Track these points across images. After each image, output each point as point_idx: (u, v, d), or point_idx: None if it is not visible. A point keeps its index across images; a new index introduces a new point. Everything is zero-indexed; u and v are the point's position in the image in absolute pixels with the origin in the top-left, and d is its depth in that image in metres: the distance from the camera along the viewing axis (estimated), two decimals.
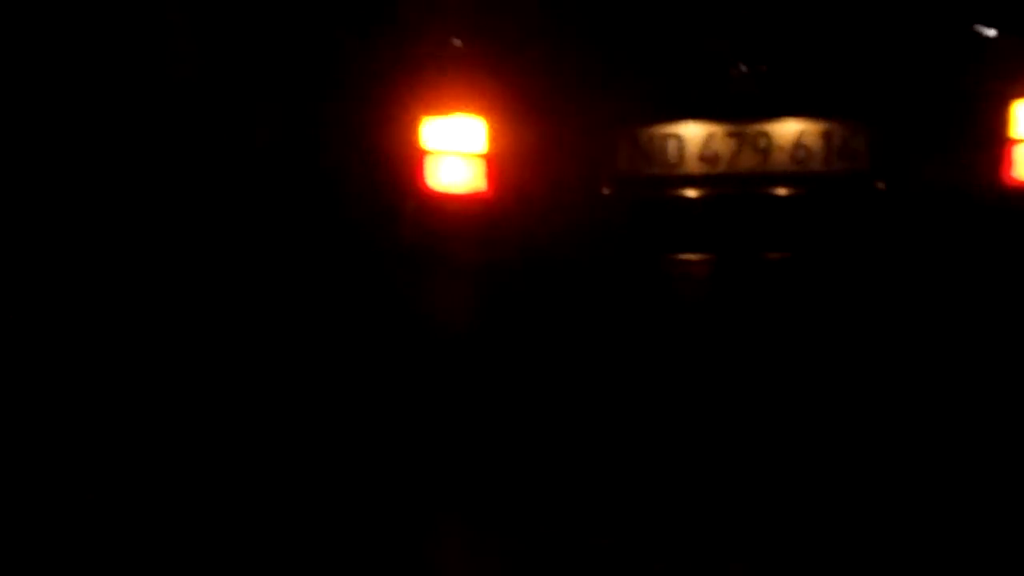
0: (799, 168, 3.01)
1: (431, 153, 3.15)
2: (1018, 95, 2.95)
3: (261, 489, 2.86)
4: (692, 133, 3.02)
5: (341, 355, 3.49)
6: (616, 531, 2.63)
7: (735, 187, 3.05)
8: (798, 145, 3.00)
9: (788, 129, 2.99)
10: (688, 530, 2.62)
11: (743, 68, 2.98)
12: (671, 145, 3.03)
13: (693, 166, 3.04)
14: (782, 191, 3.03)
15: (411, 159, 3.18)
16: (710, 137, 3.01)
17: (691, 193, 3.06)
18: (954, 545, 2.49)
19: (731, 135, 3.01)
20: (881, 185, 3.00)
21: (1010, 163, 2.98)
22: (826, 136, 2.99)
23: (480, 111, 3.09)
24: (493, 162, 3.11)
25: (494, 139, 3.09)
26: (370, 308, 3.52)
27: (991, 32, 3.03)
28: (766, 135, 3.00)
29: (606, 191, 3.08)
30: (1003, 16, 3.05)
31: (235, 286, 3.91)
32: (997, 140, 2.97)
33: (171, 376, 3.45)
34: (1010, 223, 3.04)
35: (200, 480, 2.91)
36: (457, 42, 3.28)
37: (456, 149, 3.14)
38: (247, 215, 4.13)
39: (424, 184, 3.17)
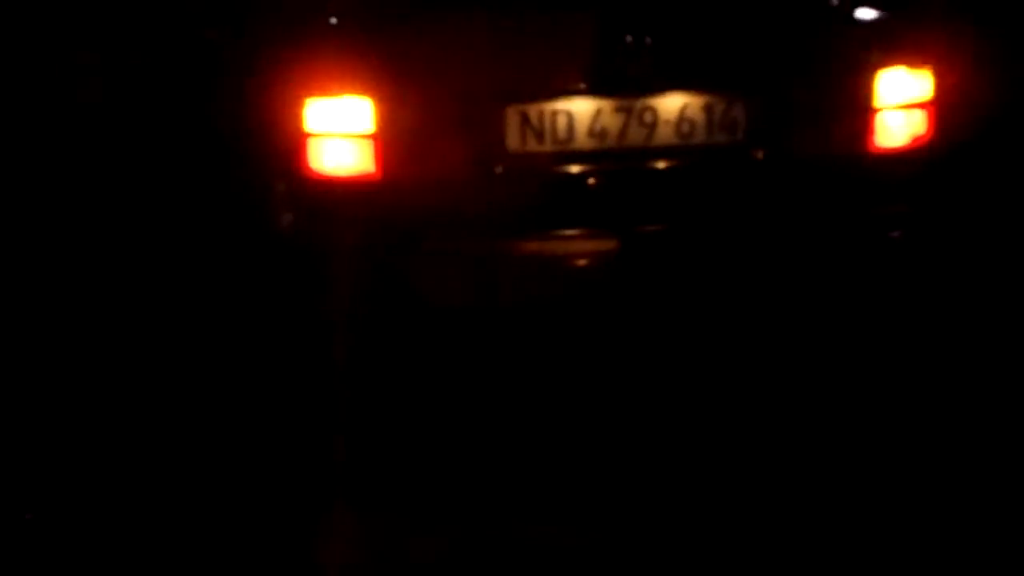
0: (683, 141, 3.10)
1: (316, 135, 3.07)
2: (882, 65, 3.12)
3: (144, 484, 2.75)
4: (581, 109, 3.06)
5: (226, 343, 3.37)
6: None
7: (624, 162, 3.11)
8: (682, 119, 3.08)
9: (673, 103, 3.07)
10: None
11: (629, 41, 3.03)
12: (560, 121, 3.06)
13: (583, 142, 3.08)
14: (668, 164, 3.11)
15: (296, 142, 3.08)
16: (599, 112, 3.06)
17: (582, 168, 3.10)
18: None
19: (619, 110, 3.06)
20: (759, 155, 3.13)
21: (874, 131, 3.17)
22: (707, 109, 3.09)
23: (365, 91, 3.03)
24: (381, 143, 3.06)
25: (381, 119, 3.04)
26: (256, 295, 3.41)
27: (858, 7, 3.19)
28: (652, 109, 3.07)
29: (498, 169, 3.08)
30: None
31: (123, 271, 3.72)
32: (864, 109, 3.14)
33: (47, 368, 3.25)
34: (874, 187, 3.23)
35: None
36: (333, 20, 3.20)
37: (341, 130, 3.07)
38: (134, 198, 3.94)
39: (309, 167, 3.09)
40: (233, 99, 3.48)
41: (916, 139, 3.20)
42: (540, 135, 3.06)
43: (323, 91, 3.04)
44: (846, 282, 3.26)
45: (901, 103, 3.17)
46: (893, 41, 3.19)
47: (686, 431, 2.96)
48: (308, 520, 2.62)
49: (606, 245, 3.14)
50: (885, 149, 3.17)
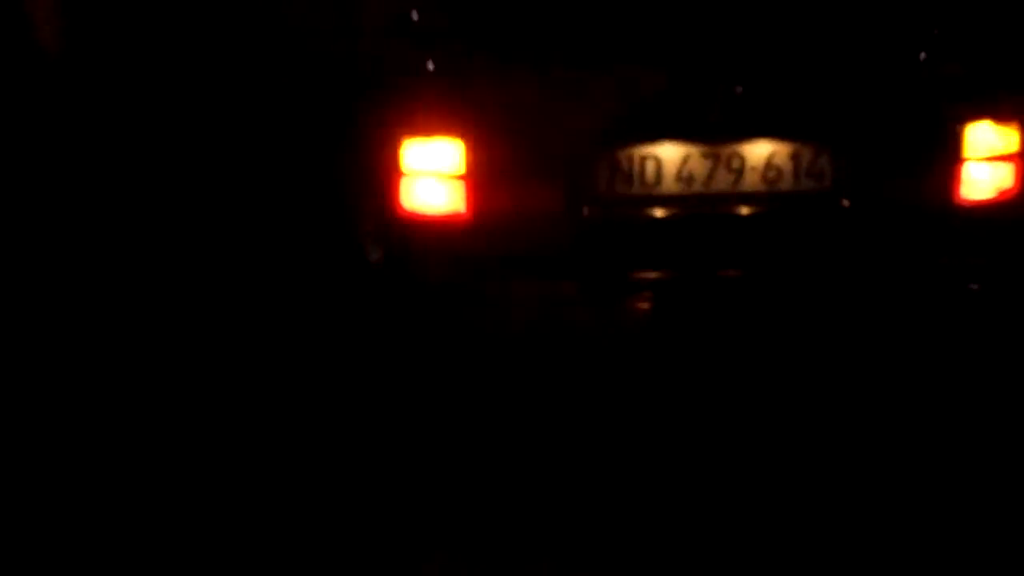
0: (770, 188, 3.14)
1: (409, 174, 3.15)
2: (968, 119, 3.15)
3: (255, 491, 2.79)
4: (669, 154, 3.11)
5: (326, 369, 3.43)
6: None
7: (710, 206, 3.15)
8: (769, 165, 3.13)
9: (760, 150, 3.12)
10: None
11: (719, 89, 3.09)
12: (649, 166, 3.12)
13: (670, 186, 3.13)
14: (755, 210, 3.15)
15: (390, 181, 3.17)
16: (686, 158, 3.11)
17: (669, 212, 3.15)
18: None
19: (706, 156, 3.12)
20: (846, 203, 3.16)
21: (960, 182, 3.19)
22: (795, 157, 3.13)
23: (458, 133, 3.11)
24: (472, 183, 3.13)
25: (472, 161, 3.12)
26: (352, 325, 3.47)
27: (945, 62, 3.24)
28: (739, 156, 3.12)
29: (586, 211, 3.13)
30: (959, 44, 3.27)
31: (229, 292, 3.82)
32: (950, 161, 3.17)
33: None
34: (958, 239, 3.24)
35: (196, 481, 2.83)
36: (431, 65, 3.30)
37: (434, 170, 3.14)
38: (239, 226, 4.07)
39: (402, 205, 3.17)
40: (335, 138, 3.59)
41: (1002, 192, 3.22)
42: (629, 179, 3.12)
43: (418, 132, 3.13)
44: (924, 331, 3.26)
45: (987, 155, 3.19)
46: (980, 95, 3.22)
47: (765, 483, 2.95)
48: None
49: (692, 287, 3.17)
50: (971, 201, 3.19)
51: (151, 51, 4.66)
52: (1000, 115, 3.20)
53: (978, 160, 3.19)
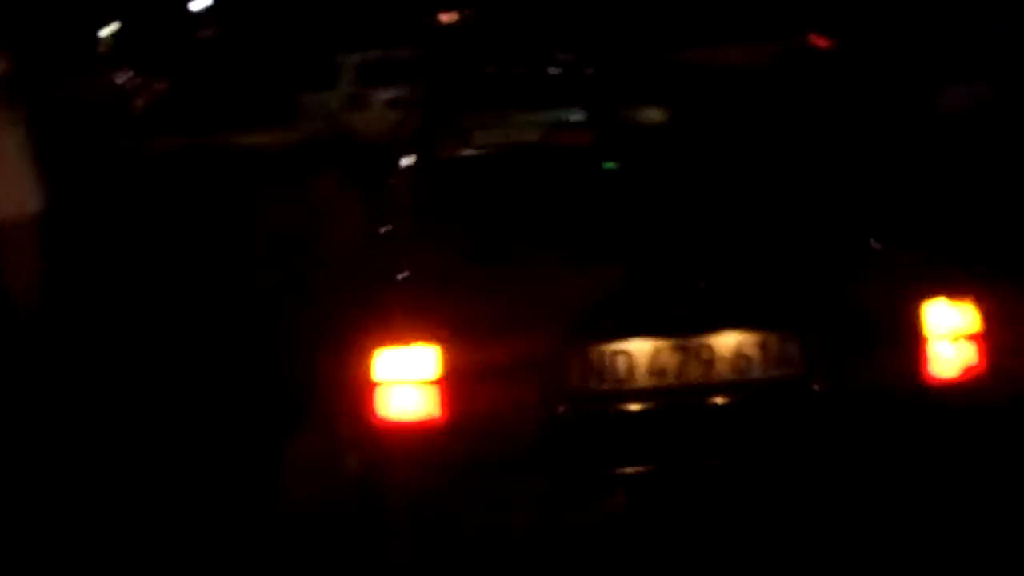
0: (741, 377, 3.18)
1: (382, 384, 3.17)
2: (926, 297, 3.24)
3: None
4: (639, 348, 3.16)
5: None
6: None
7: (683, 398, 3.18)
8: (738, 355, 3.18)
9: (728, 340, 3.17)
10: None
11: (683, 285, 3.17)
12: (620, 361, 3.16)
13: (643, 380, 3.16)
14: (728, 399, 3.18)
15: (362, 389, 3.19)
16: (657, 352, 3.16)
17: (642, 406, 3.17)
18: None
19: (676, 348, 3.17)
20: (817, 387, 3.20)
21: (926, 361, 3.24)
22: (763, 345, 3.18)
23: (431, 339, 3.15)
24: (446, 387, 3.15)
25: (446, 365, 3.15)
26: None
27: (897, 248, 3.36)
28: (708, 347, 3.17)
29: (560, 409, 3.15)
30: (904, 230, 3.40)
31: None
32: (914, 340, 3.23)
33: None
34: (932, 416, 3.27)
35: None
36: (403, 274, 3.37)
37: (408, 377, 3.17)
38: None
39: (376, 414, 3.18)
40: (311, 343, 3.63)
41: (968, 370, 3.27)
42: (601, 375, 3.15)
43: (390, 341, 3.17)
44: (902, 510, 3.25)
45: (949, 335, 3.25)
46: (934, 274, 3.32)
47: None
48: None
49: (669, 480, 3.16)
50: (939, 380, 3.23)
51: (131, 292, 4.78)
52: (955, 293, 3.28)
53: (940, 339, 3.25)
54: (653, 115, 4.46)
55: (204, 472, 4.00)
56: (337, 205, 6.41)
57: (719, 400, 3.18)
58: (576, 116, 4.42)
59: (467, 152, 4.03)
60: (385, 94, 12.70)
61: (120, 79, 18.69)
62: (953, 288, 3.29)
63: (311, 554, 3.43)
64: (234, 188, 10.02)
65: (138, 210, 9.16)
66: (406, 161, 4.26)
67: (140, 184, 10.74)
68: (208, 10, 22.53)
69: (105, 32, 18.79)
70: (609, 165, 3.92)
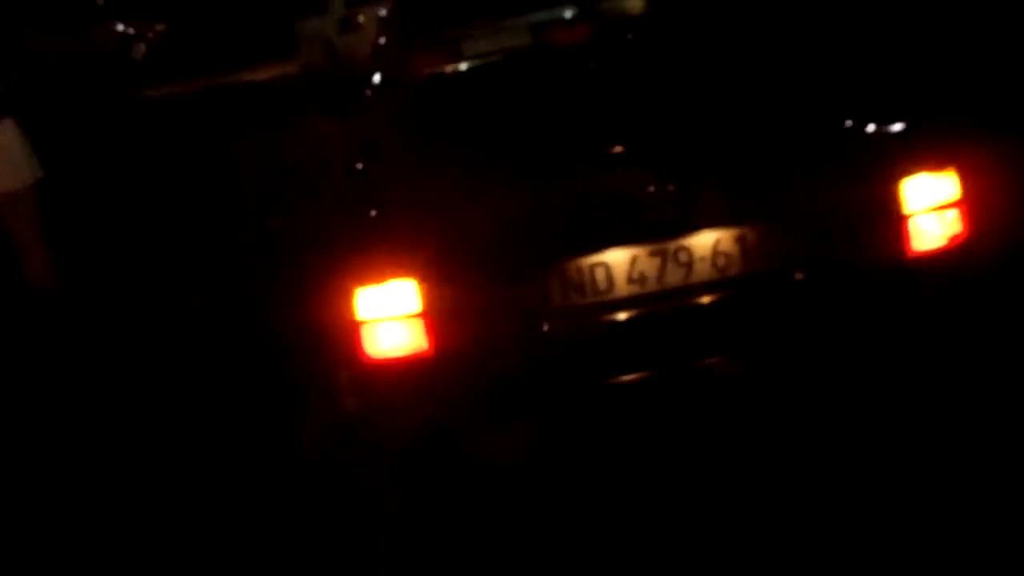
0: (721, 274, 3.16)
1: (366, 322, 3.19)
2: (905, 173, 3.19)
3: None
4: (617, 259, 3.15)
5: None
6: None
7: (667, 302, 3.17)
8: (717, 253, 3.15)
9: (705, 240, 3.15)
10: None
11: (652, 191, 3.13)
12: (599, 273, 3.15)
13: (623, 289, 3.16)
14: (712, 298, 3.17)
15: (348, 329, 3.21)
16: (634, 259, 3.15)
17: (627, 315, 3.17)
18: None
19: (653, 254, 3.15)
20: (799, 276, 3.17)
21: (908, 236, 3.20)
22: (740, 240, 3.16)
23: (410, 273, 3.16)
24: (430, 320, 3.16)
25: (428, 298, 3.16)
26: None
27: (871, 122, 3.29)
28: (686, 249, 3.15)
29: (546, 327, 3.16)
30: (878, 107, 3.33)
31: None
32: (894, 217, 3.19)
33: None
34: (917, 290, 3.24)
35: None
36: (373, 212, 3.37)
37: (391, 314, 3.18)
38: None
39: (365, 352, 3.20)
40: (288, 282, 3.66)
41: (952, 239, 3.23)
42: (581, 289, 3.15)
43: (370, 279, 3.18)
44: (896, 389, 3.24)
45: (930, 206, 3.21)
46: (912, 148, 3.26)
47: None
48: None
49: (658, 385, 3.17)
50: (921, 253, 3.19)
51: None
52: (936, 165, 3.23)
53: (922, 212, 3.20)
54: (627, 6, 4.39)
55: (223, 424, 4.06)
56: (327, 140, 6.39)
57: (703, 300, 3.17)
58: (544, 17, 4.36)
59: (433, 71, 3.97)
60: (377, 12, 12.49)
61: (119, 27, 18.63)
62: (933, 160, 3.23)
63: (323, 500, 3.48)
64: (235, 129, 10.01)
65: (142, 158, 9.19)
66: (375, 84, 4.23)
67: (143, 132, 10.76)
68: None
69: None
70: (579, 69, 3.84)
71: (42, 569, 3.32)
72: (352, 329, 3.20)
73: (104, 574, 3.35)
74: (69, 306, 5.01)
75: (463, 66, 4.04)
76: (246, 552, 3.29)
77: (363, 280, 3.18)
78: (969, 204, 3.26)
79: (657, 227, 3.14)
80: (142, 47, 18.70)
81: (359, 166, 3.81)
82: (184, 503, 3.59)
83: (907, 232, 3.20)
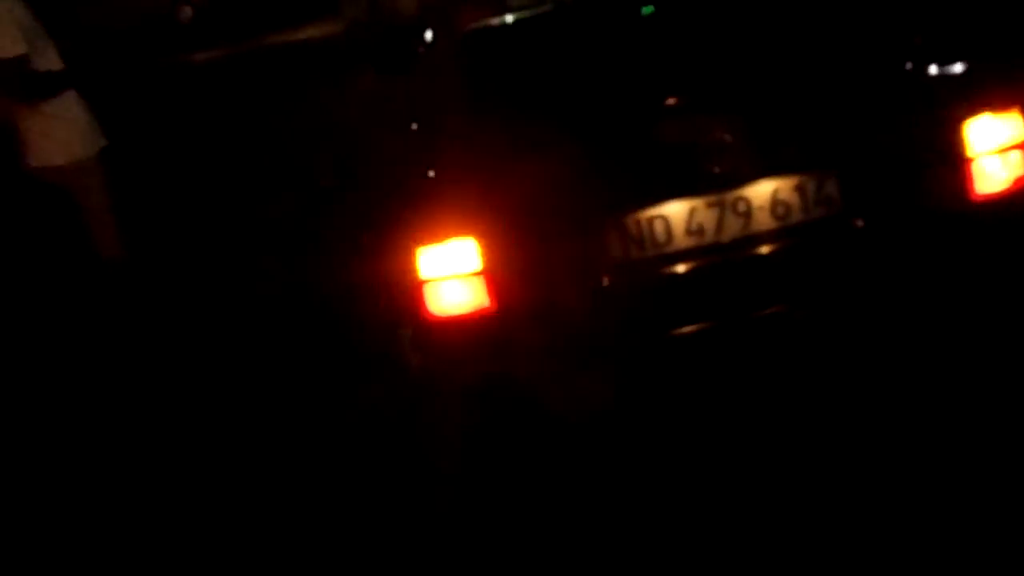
0: (782, 223, 3.15)
1: (429, 281, 3.22)
2: (968, 115, 3.14)
3: None
4: (675, 211, 3.15)
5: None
6: None
7: (726, 253, 3.17)
8: (776, 202, 3.14)
9: (763, 189, 3.14)
10: None
11: (711, 141, 3.12)
12: (658, 225, 3.16)
13: (682, 241, 3.16)
14: (772, 248, 3.16)
15: (411, 288, 3.24)
16: (692, 211, 3.14)
17: (687, 267, 3.17)
18: None
19: (711, 205, 3.14)
20: (860, 223, 3.15)
21: (971, 179, 3.17)
22: (799, 188, 3.14)
23: (469, 232, 3.18)
24: (491, 278, 3.18)
25: (488, 256, 3.18)
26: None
27: (932, 64, 3.25)
28: (744, 199, 3.14)
29: (606, 281, 3.17)
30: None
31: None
32: (956, 160, 3.16)
33: None
34: (980, 233, 3.21)
35: None
36: (431, 172, 3.39)
37: (452, 272, 3.21)
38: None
39: (428, 310, 3.23)
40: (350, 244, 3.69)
41: (1017, 181, 3.19)
42: (640, 242, 3.16)
43: (431, 238, 3.20)
44: (956, 334, 3.22)
45: (993, 149, 3.17)
46: (975, 89, 3.21)
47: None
48: None
49: (720, 336, 3.17)
50: (985, 196, 3.16)
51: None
52: (999, 106, 3.18)
53: (985, 155, 3.17)
54: None
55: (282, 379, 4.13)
56: (377, 99, 6.41)
57: (762, 250, 3.16)
58: None
59: (482, 24, 3.96)
60: None
61: None
62: (995, 101, 3.19)
63: (385, 459, 3.54)
64: (280, 89, 10.04)
65: (192, 124, 9.26)
66: (427, 41, 4.22)
67: (192, 97, 10.82)
68: None
69: None
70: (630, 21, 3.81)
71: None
72: (415, 288, 3.23)
73: (177, 522, 3.42)
74: (139, 276, 5.07)
75: (512, 18, 4.02)
76: (309, 511, 3.35)
77: (424, 240, 3.21)
78: None
79: (715, 178, 3.14)
80: (188, 10, 18.78)
81: (414, 126, 3.83)
82: (249, 462, 3.66)
83: (970, 175, 3.16)
